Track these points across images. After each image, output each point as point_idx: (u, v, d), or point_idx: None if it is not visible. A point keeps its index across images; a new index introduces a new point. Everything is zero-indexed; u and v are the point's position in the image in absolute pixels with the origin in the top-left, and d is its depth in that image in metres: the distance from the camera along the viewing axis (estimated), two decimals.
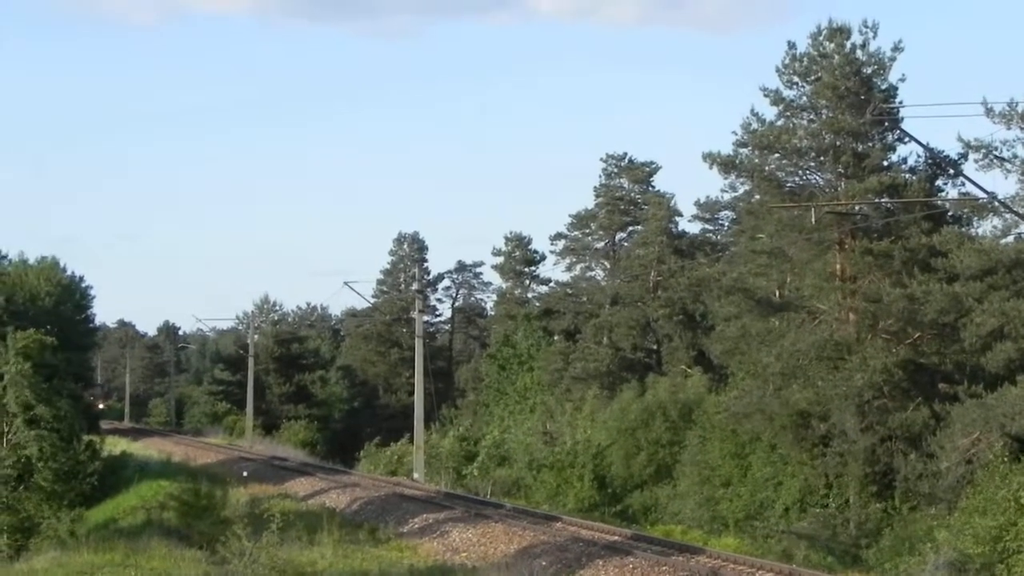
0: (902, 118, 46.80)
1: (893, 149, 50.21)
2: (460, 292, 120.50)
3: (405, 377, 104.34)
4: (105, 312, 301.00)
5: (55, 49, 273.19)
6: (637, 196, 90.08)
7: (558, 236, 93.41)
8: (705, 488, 53.94)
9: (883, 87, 49.68)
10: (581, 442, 58.87)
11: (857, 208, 49.09)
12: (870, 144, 49.65)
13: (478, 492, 54.52)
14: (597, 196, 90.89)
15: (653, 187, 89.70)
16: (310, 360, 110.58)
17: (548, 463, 57.75)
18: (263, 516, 34.38)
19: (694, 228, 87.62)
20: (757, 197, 55.11)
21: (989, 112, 42.37)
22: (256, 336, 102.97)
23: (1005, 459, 38.10)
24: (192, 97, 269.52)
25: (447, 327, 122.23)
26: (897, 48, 49.44)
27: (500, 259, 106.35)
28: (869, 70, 49.49)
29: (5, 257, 75.20)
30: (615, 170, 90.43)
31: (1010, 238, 45.66)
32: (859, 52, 49.43)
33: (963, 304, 43.76)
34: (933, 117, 53.92)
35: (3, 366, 44.84)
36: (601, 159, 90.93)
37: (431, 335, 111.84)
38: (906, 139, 48.72)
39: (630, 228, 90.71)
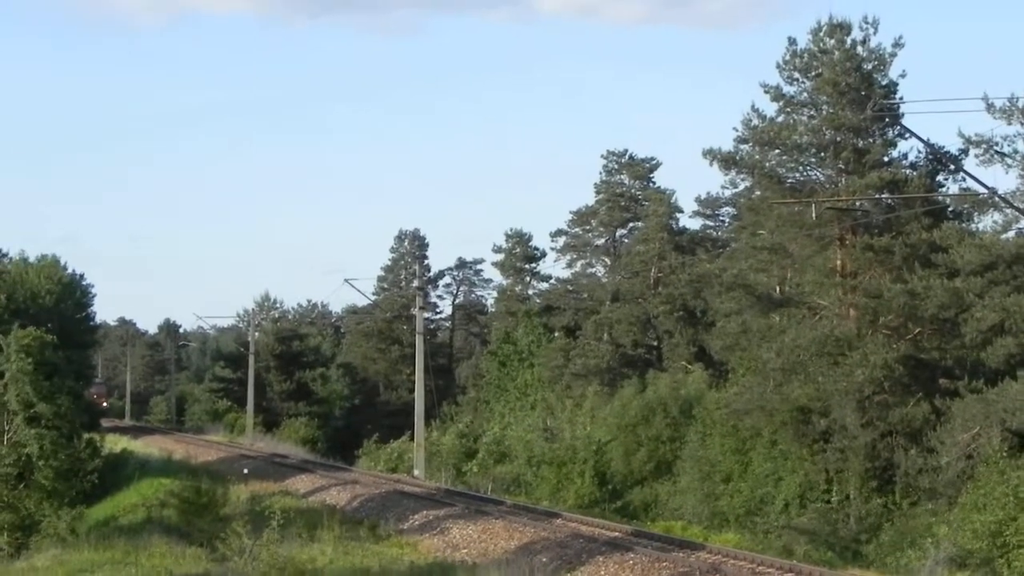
0: (903, 114, 46.80)
1: (894, 145, 50.25)
2: (461, 289, 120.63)
3: (406, 374, 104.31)
4: (106, 310, 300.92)
5: (58, 49, 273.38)
6: (638, 192, 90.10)
7: (559, 233, 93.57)
8: (705, 484, 53.94)
9: (883, 83, 49.68)
10: (581, 438, 58.84)
11: (858, 204, 49.12)
12: (871, 140, 49.65)
13: (479, 489, 54.51)
14: (598, 192, 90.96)
15: (654, 183, 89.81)
16: (311, 357, 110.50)
17: (548, 460, 57.72)
18: (264, 513, 34.33)
19: (695, 224, 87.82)
20: (758, 193, 55.12)
21: (990, 107, 42.41)
22: (257, 333, 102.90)
23: (1004, 454, 38.12)
24: (193, 97, 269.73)
25: (448, 324, 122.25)
26: (897, 44, 49.48)
27: (501, 256, 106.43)
28: (870, 66, 49.49)
29: (6, 255, 75.20)
30: (616, 166, 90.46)
31: (1011, 233, 45.71)
32: (860, 48, 49.44)
33: (964, 299, 43.78)
34: (934, 113, 53.81)
35: (4, 363, 44.83)
36: (602, 155, 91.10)
37: (432, 332, 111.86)
38: (907, 135, 48.74)
39: (631, 224, 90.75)
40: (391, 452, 71.74)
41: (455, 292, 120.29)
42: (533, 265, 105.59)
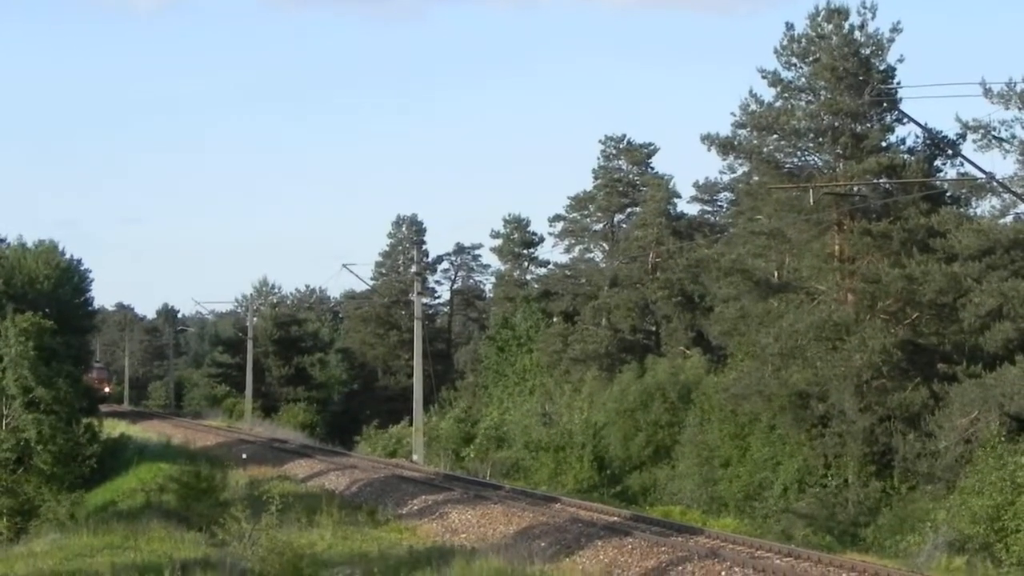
0: (900, 99, 46.82)
1: (891, 130, 50.30)
2: (459, 274, 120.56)
3: (404, 359, 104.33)
4: (104, 295, 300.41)
5: (57, 33, 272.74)
6: (636, 178, 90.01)
7: (557, 218, 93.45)
8: (704, 469, 54.06)
9: (881, 68, 49.70)
10: (579, 423, 58.91)
11: (855, 189, 49.14)
12: (868, 125, 49.68)
13: (477, 474, 54.58)
14: (596, 178, 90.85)
15: (652, 169, 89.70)
16: (309, 343, 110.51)
17: (546, 445, 57.81)
18: (262, 498, 34.30)
19: (693, 209, 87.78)
20: (756, 178, 55.15)
21: (987, 92, 42.45)
22: (255, 319, 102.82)
23: (1003, 438, 38.18)
24: (191, 82, 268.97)
25: (446, 309, 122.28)
26: (895, 29, 49.51)
27: (499, 241, 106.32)
28: (867, 51, 49.50)
29: (4, 240, 75.08)
30: (614, 152, 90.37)
31: (1008, 218, 45.83)
32: (857, 33, 49.44)
33: (962, 284, 43.84)
34: (931, 98, 53.85)
35: (3, 348, 44.83)
36: (600, 141, 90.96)
37: (430, 317, 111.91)
38: (904, 120, 48.80)
39: (629, 210, 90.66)
40: (390, 437, 71.83)
41: (453, 277, 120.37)
42: (531, 250, 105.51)
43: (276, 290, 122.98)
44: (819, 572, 26.76)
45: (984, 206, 48.34)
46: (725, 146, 52.12)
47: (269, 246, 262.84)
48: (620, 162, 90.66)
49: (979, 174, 42.00)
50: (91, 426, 49.26)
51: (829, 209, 48.78)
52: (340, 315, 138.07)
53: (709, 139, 51.88)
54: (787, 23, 50.43)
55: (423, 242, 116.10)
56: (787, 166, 51.51)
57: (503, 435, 66.55)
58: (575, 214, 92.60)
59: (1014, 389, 40.28)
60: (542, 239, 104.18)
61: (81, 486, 45.37)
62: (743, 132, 52.14)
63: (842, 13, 49.37)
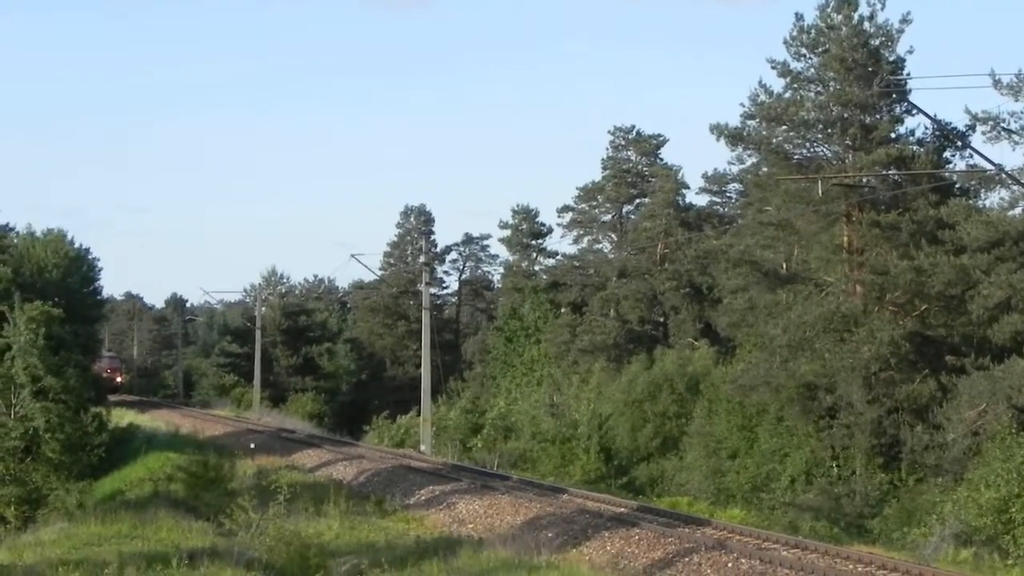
0: (910, 90, 46.73)
1: (901, 121, 50.21)
2: (467, 264, 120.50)
3: (412, 349, 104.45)
4: (112, 284, 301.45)
5: (64, 19, 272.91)
6: (644, 168, 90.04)
7: (565, 208, 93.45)
8: (712, 460, 54.05)
9: (891, 59, 49.62)
10: (586, 414, 58.92)
11: (864, 180, 49.06)
12: (878, 116, 49.60)
13: (484, 464, 54.59)
14: (604, 168, 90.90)
15: (660, 159, 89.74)
16: (317, 332, 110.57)
17: (552, 437, 57.83)
18: (270, 488, 34.40)
19: (701, 200, 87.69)
20: (765, 169, 55.07)
21: (997, 84, 42.43)
22: (263, 308, 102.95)
23: (1013, 430, 38.14)
24: (199, 70, 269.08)
25: (454, 300, 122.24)
26: (905, 20, 49.43)
27: (507, 232, 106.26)
28: (877, 42, 49.41)
29: (12, 229, 75.19)
30: (623, 142, 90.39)
31: (1017, 210, 45.73)
32: (867, 24, 49.36)
33: (970, 276, 43.79)
34: (941, 89, 53.99)
35: (13, 336, 44.91)
36: (609, 131, 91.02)
37: (438, 308, 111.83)
38: (914, 111, 48.78)
39: (637, 201, 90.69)
40: (398, 427, 71.87)
41: (461, 268, 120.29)
42: (540, 241, 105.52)
43: (285, 280, 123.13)
44: (826, 564, 26.75)
45: (993, 198, 48.33)
46: (734, 137, 52.08)
47: (278, 236, 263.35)
48: (629, 153, 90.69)
49: (988, 166, 41.95)
50: (99, 415, 49.32)
51: (838, 200, 48.72)
52: (348, 305, 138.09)
53: (718, 130, 51.85)
54: (797, 14, 50.43)
55: (431, 232, 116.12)
56: (796, 157, 51.45)
57: (511, 426, 66.52)
58: (583, 205, 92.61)
59: (1022, 381, 40.26)
60: (550, 230, 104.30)
61: (89, 475, 45.45)
62: (752, 123, 52.10)
63: (852, 4, 49.29)
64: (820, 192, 46.85)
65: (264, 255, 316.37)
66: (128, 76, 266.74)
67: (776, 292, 50.69)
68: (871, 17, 49.30)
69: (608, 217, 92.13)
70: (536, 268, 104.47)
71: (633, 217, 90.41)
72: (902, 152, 48.03)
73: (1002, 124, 43.87)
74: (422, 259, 70.89)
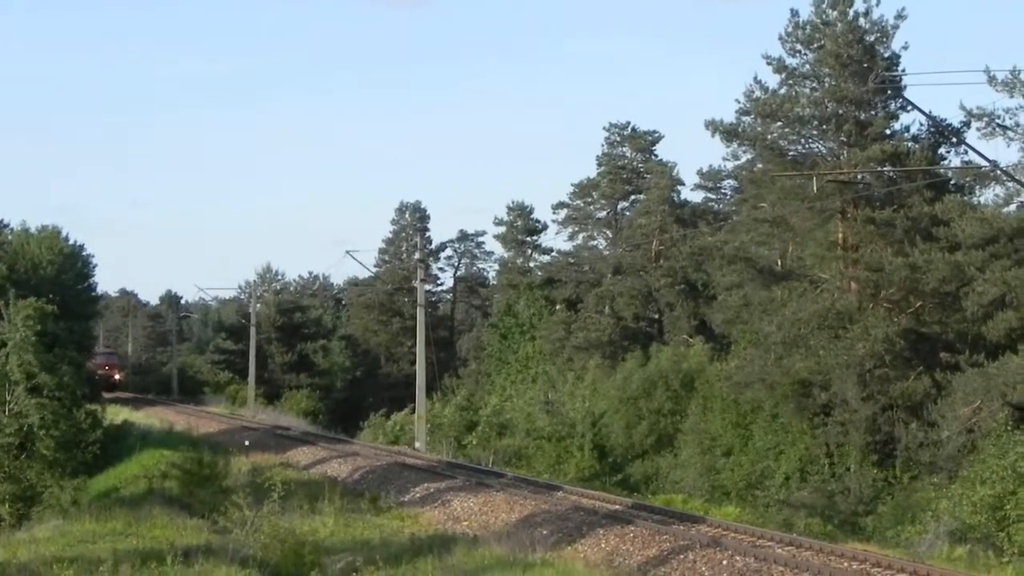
0: (905, 86, 46.87)
1: (896, 117, 50.24)
2: (462, 261, 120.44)
3: (407, 346, 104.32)
4: (107, 281, 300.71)
5: (59, 16, 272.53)
6: (639, 165, 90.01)
7: (560, 205, 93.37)
8: (706, 457, 54.05)
9: (886, 55, 49.63)
10: (580, 412, 58.94)
11: (859, 177, 49.09)
12: (873, 112, 49.62)
13: (479, 461, 54.60)
14: (599, 165, 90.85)
15: (655, 156, 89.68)
16: (312, 329, 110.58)
17: (548, 434, 57.85)
18: (265, 485, 34.37)
19: (696, 197, 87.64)
20: (759, 166, 55.07)
21: (992, 80, 42.41)
22: (258, 305, 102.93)
23: (1008, 427, 38.14)
24: (193, 66, 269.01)
25: (449, 296, 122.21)
26: (900, 16, 49.45)
27: (502, 228, 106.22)
28: (872, 38, 49.44)
29: (7, 226, 75.21)
30: (617, 139, 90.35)
31: (1012, 207, 45.78)
32: (862, 20, 49.39)
33: (965, 273, 43.81)
34: (936, 85, 53.72)
35: (8, 333, 44.82)
36: (604, 128, 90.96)
37: (433, 304, 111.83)
38: (909, 107, 48.77)
39: (632, 197, 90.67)
40: (393, 424, 71.87)
41: (456, 264, 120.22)
42: (534, 238, 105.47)
43: (279, 277, 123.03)
44: (820, 561, 26.74)
45: (988, 194, 48.35)
46: (729, 133, 52.08)
47: (272, 233, 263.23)
48: (624, 149, 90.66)
49: (983, 162, 41.97)
50: (93, 412, 49.24)
51: (833, 197, 48.72)
52: (343, 302, 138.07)
53: (713, 126, 51.85)
54: (792, 10, 50.42)
55: (426, 229, 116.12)
56: (791, 153, 51.46)
57: (505, 423, 66.56)
58: (578, 201, 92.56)
59: (1016, 378, 40.27)
60: (545, 226, 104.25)
61: (84, 472, 45.32)
62: (747, 119, 52.12)
63: (847, 0, 49.28)
64: (815, 189, 46.86)
65: (259, 252, 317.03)
66: (126, 73, 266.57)
67: (771, 289, 50.69)
68: (866, 13, 49.35)
69: (603, 214, 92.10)
70: (531, 265, 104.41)
71: (628, 214, 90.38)
72: (897, 148, 48.02)
73: (997, 120, 43.87)
74: (417, 256, 70.91)
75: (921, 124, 50.05)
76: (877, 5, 49.26)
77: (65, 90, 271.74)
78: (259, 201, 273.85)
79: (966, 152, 49.50)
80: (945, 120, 48.67)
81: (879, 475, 44.97)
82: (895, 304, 47.88)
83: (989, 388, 41.11)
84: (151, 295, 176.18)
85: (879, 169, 48.41)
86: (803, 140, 51.46)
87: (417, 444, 58.92)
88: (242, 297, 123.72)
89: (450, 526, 35.49)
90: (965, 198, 48.37)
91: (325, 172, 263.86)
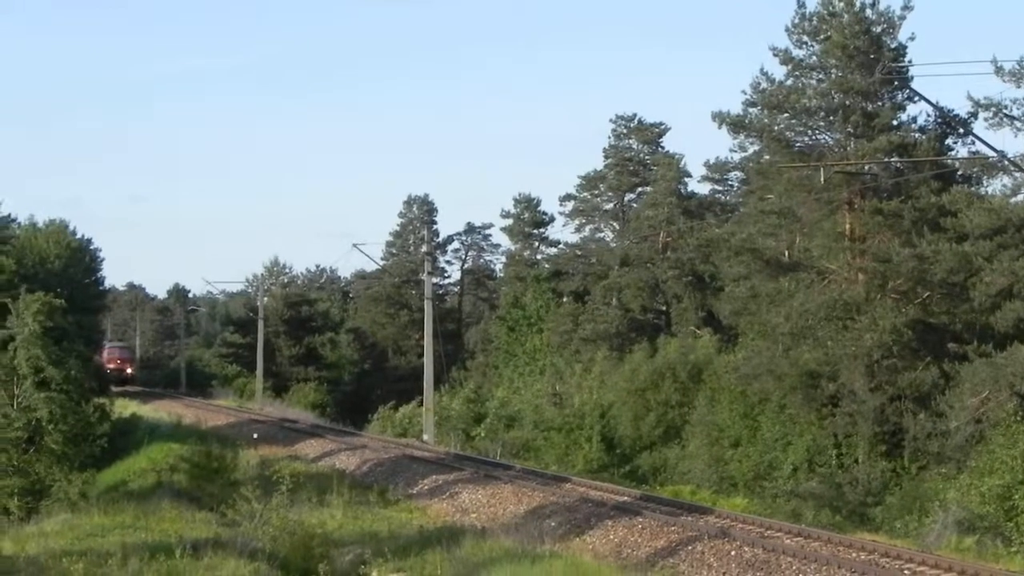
0: (912, 77, 46.62)
1: (903, 108, 50.11)
2: (469, 254, 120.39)
3: (415, 339, 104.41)
4: (114, 275, 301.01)
5: (62, 10, 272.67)
6: (646, 157, 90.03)
7: (567, 197, 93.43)
8: (714, 449, 54.03)
9: (893, 46, 49.50)
10: (588, 404, 58.95)
11: (866, 168, 48.97)
12: (879, 103, 49.50)
13: (487, 454, 54.62)
14: (606, 157, 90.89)
15: (662, 148, 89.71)
16: (319, 322, 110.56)
17: (557, 426, 57.85)
18: (273, 478, 34.45)
19: (703, 189, 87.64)
20: (766, 157, 54.98)
21: (999, 71, 42.26)
22: (265, 298, 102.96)
23: (1017, 418, 38.09)
24: (198, 60, 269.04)
25: (456, 289, 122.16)
26: (907, 6, 49.29)
27: (509, 221, 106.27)
28: (879, 29, 49.30)
29: (15, 220, 75.27)
30: (624, 131, 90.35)
31: (1019, 197, 45.61)
32: (869, 11, 49.26)
33: (972, 263, 43.73)
34: (943, 76, 53.87)
35: (17, 327, 44.91)
36: (611, 120, 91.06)
37: (440, 297, 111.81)
38: (916, 98, 48.69)
39: (639, 189, 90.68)
40: (401, 417, 71.93)
41: (464, 257, 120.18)
42: (542, 230, 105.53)
43: (287, 270, 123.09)
44: (829, 552, 26.76)
45: (995, 185, 48.20)
46: (736, 125, 52.00)
47: (280, 226, 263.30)
48: (631, 141, 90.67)
49: (990, 153, 41.88)
50: (102, 406, 49.35)
51: (840, 188, 48.63)
52: (350, 295, 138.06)
53: (720, 117, 51.78)
54: (798, 1, 50.27)
55: (434, 222, 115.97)
56: (798, 145, 51.36)
57: (513, 415, 66.59)
58: (585, 193, 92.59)
59: None
60: (552, 218, 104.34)
61: (92, 466, 45.44)
62: (754, 111, 52.01)
63: None
64: (822, 180, 46.75)
65: (266, 245, 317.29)
66: (130, 66, 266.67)
67: (778, 280, 50.61)
68: (873, 4, 49.20)
69: (610, 206, 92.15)
70: (538, 257, 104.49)
71: (635, 206, 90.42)
72: (904, 139, 47.95)
73: (1004, 111, 43.74)
74: (424, 248, 70.68)
75: (928, 115, 49.98)
76: None
77: (69, 83, 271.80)
78: (266, 195, 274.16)
79: (973, 142, 49.42)
80: (952, 110, 48.67)
81: (887, 466, 44.94)
82: (903, 295, 47.80)
83: (997, 378, 41.04)
84: (159, 289, 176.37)
85: (886, 160, 48.31)
86: (810, 131, 51.37)
87: (425, 436, 58.96)
88: (249, 290, 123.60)
89: (458, 518, 35.55)
90: (972, 188, 48.28)
91: (333, 165, 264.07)
